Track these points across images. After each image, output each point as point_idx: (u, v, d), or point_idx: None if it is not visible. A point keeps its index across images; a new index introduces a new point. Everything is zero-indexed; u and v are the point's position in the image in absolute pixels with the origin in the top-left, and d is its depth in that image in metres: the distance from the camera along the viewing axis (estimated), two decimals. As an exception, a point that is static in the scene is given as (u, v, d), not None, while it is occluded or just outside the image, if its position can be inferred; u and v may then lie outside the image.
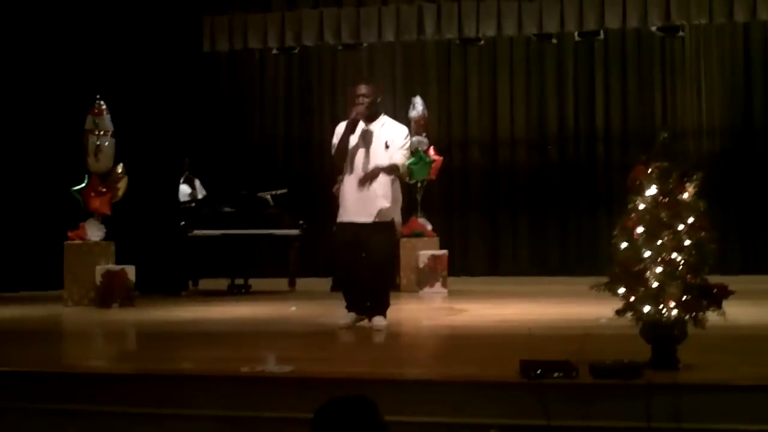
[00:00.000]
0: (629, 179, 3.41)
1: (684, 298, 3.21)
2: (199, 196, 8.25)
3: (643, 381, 2.95)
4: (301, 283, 7.98)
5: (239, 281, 7.71)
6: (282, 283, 7.87)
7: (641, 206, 3.35)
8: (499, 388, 3.11)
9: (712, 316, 3.25)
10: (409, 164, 6.53)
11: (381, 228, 4.85)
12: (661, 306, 3.23)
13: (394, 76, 9.93)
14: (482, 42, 9.57)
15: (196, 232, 7.47)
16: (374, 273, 4.92)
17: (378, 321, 4.92)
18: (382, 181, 4.85)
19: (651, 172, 3.35)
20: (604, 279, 3.37)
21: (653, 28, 9.12)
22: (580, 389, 3.01)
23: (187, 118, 8.09)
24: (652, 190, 3.33)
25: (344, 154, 4.93)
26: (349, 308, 5.02)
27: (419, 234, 7.82)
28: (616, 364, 3.10)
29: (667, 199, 3.31)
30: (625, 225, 3.37)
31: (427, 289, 7.47)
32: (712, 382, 3.08)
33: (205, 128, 9.56)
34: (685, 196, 3.33)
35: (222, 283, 7.77)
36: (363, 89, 4.98)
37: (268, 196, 7.93)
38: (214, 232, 7.50)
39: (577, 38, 9.56)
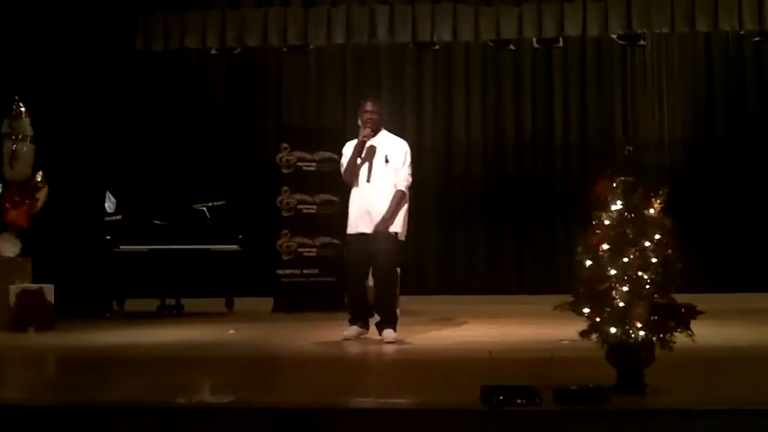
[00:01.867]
0: (593, 194, 3.48)
1: (651, 318, 3.27)
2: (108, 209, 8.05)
3: (609, 407, 2.99)
4: (240, 303, 7.93)
5: (170, 302, 7.64)
6: (219, 304, 7.83)
7: (606, 222, 3.41)
8: (459, 416, 3.11)
9: (680, 338, 3.31)
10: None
11: (387, 239, 5.31)
12: (627, 327, 3.28)
13: (344, 81, 9.94)
14: (437, 47, 9.66)
15: (123, 247, 7.39)
16: (382, 285, 5.35)
17: (389, 334, 5.30)
18: (387, 196, 5.33)
19: (615, 186, 3.42)
20: (567, 298, 3.42)
21: (614, 36, 9.34)
22: (544, 416, 3.04)
23: (115, 122, 7.96)
24: (617, 206, 3.40)
25: (354, 174, 5.42)
26: (354, 321, 5.42)
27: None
28: (582, 389, 3.13)
29: (632, 215, 3.38)
30: (589, 241, 3.43)
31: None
32: (680, 406, 3.13)
33: (136, 133, 9.40)
34: (651, 211, 3.41)
35: (151, 304, 7.67)
36: (370, 106, 5.48)
37: (204, 208, 7.90)
38: (143, 248, 7.44)
39: (535, 45, 9.72)
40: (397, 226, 5.34)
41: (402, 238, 5.44)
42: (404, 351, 5.14)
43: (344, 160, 5.46)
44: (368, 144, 5.40)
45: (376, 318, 5.47)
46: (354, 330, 5.40)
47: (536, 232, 9.77)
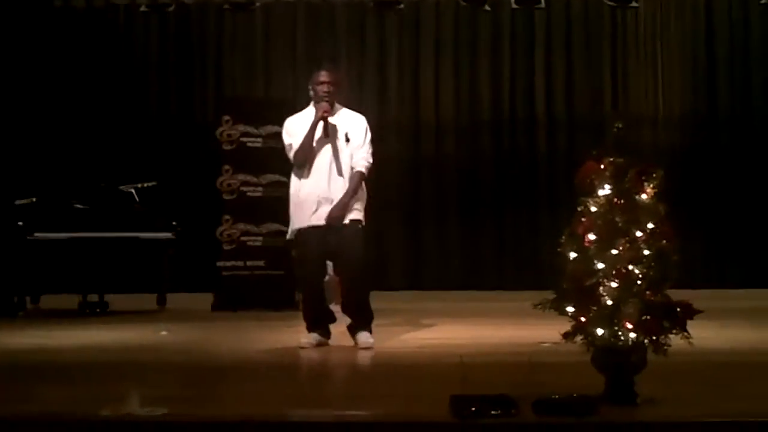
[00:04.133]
0: (578, 177, 3.50)
1: (643, 318, 3.30)
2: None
3: (596, 419, 3.02)
4: (175, 300, 7.91)
5: (93, 298, 7.55)
6: (149, 301, 7.79)
7: (593, 209, 3.43)
8: (426, 430, 3.12)
9: (675, 340, 3.35)
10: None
11: (351, 229, 5.19)
12: (616, 328, 3.32)
13: (294, 44, 9.91)
14: (402, 5, 9.64)
15: (38, 235, 7.30)
16: (351, 281, 5.24)
17: (365, 338, 5.21)
18: (346, 180, 5.19)
19: (604, 168, 3.44)
20: (549, 295, 3.44)
21: (603, -3, 9.47)
22: (522, 429, 3.05)
23: (29, 89, 7.83)
24: (605, 190, 3.42)
25: (309, 156, 5.22)
26: (313, 328, 5.30)
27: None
28: (564, 399, 3.16)
29: (622, 201, 3.40)
30: (574, 231, 3.45)
31: (332, 306, 7.48)
32: (676, 418, 3.16)
33: (54, 102, 9.25)
34: (644, 197, 3.44)
35: (71, 301, 7.57)
36: (326, 76, 5.29)
37: (133, 190, 7.83)
38: (62, 236, 7.35)
39: (514, 5, 9.77)
40: (360, 213, 5.26)
41: (335, 219, 5.26)
42: (364, 357, 5.13)
43: (294, 141, 5.27)
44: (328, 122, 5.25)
45: (341, 323, 5.42)
46: (313, 338, 5.29)
47: (516, 219, 9.89)
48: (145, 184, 7.91)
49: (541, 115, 9.98)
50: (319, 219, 5.19)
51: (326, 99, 5.22)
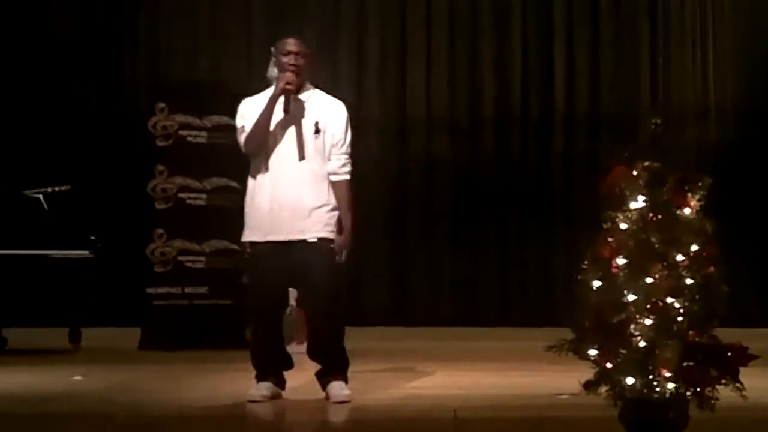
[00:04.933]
0: (605, 185, 3.54)
1: (684, 364, 3.32)
2: None
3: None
4: (92, 335, 7.86)
5: (-12, 333, 7.53)
6: (60, 337, 7.73)
7: (622, 226, 3.45)
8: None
9: (724, 392, 3.37)
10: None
11: (322, 248, 5.13)
12: (651, 377, 3.33)
13: (249, 16, 9.90)
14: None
15: None
16: (320, 316, 5.17)
17: (338, 390, 5.15)
18: (317, 185, 5.17)
19: (637, 175, 3.47)
20: (566, 334, 3.45)
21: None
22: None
23: None
24: (637, 202, 3.45)
25: (264, 142, 5.15)
26: (264, 375, 5.21)
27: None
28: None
29: (659, 216, 3.43)
30: (599, 253, 3.47)
31: (294, 347, 7.47)
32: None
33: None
34: (687, 211, 3.48)
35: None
36: (295, 45, 5.22)
37: (41, 196, 7.77)
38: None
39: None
40: (331, 228, 5.16)
41: (341, 255, 5.22)
42: (338, 413, 5.09)
43: (246, 123, 5.22)
44: (291, 101, 5.17)
45: (304, 368, 5.38)
46: (265, 389, 5.21)
47: (524, 238, 9.90)
48: (57, 189, 7.85)
49: (559, 111, 9.99)
50: (278, 232, 5.11)
51: (293, 71, 5.16)
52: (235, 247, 7.74)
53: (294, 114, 5.17)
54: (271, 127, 5.16)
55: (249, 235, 5.25)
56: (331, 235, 5.18)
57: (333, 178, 5.20)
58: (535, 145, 10.06)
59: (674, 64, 9.95)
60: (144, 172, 8.13)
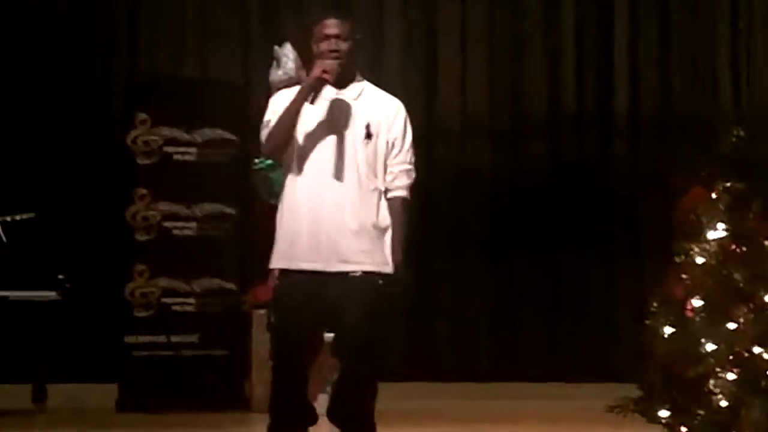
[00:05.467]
0: (678, 211, 3.74)
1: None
2: None
3: None
4: (60, 393, 7.91)
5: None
6: (22, 395, 7.78)
7: (699, 260, 3.57)
8: None
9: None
10: (266, 166, 6.59)
11: (366, 284, 5.00)
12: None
13: (244, 12, 9.93)
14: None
15: None
16: (353, 373, 5.04)
17: None
18: (365, 202, 5.06)
19: (716, 197, 3.62)
20: (630, 391, 3.61)
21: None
22: None
23: None
24: (717, 231, 3.58)
25: (288, 140, 5.06)
26: (281, 427, 5.12)
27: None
28: None
29: (743, 248, 3.57)
30: (670, 293, 3.61)
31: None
32: None
33: None
34: (777, 242, 3.52)
35: None
36: (335, 27, 5.08)
37: (-1, 226, 7.95)
38: None
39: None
40: (381, 260, 5.04)
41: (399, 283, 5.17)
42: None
43: (273, 118, 5.13)
44: (334, 97, 5.10)
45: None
46: None
47: (578, 274, 9.94)
48: (18, 217, 7.91)
49: (620, 113, 10.06)
50: (314, 259, 5.02)
51: (335, 58, 5.03)
52: (230, 286, 7.97)
53: (339, 114, 5.09)
54: (309, 128, 5.08)
55: (277, 262, 5.15)
56: (379, 268, 5.06)
57: (388, 195, 5.13)
58: (590, 150, 10.12)
59: (760, 59, 9.94)
60: (122, 197, 8.17)
